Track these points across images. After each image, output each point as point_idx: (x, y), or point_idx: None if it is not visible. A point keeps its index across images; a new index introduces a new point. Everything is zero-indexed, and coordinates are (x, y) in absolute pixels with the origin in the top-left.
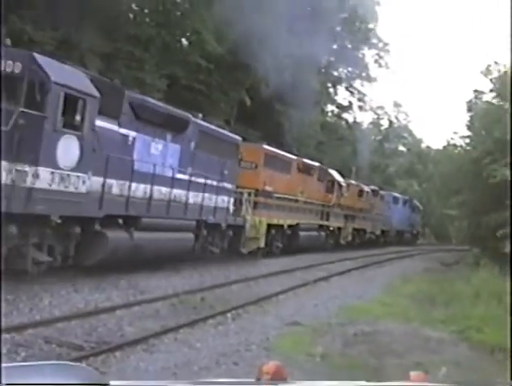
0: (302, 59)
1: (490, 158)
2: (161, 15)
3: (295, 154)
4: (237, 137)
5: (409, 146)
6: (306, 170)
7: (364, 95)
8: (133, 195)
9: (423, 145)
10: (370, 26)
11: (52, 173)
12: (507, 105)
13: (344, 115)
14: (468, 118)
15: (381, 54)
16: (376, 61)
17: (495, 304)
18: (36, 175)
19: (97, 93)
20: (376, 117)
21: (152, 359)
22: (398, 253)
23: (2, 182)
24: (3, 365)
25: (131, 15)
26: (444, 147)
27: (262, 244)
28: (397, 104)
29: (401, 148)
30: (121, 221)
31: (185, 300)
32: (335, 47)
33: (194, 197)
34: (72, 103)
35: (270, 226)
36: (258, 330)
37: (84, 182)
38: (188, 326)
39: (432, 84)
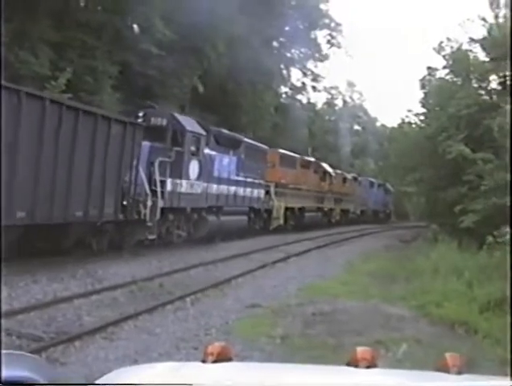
0: (254, 41)
1: (445, 134)
2: (112, 2)
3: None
4: (265, 146)
5: (364, 125)
6: (305, 165)
7: (317, 75)
8: (219, 193)
9: (378, 124)
10: (322, 6)
11: (187, 182)
12: (460, 81)
13: (298, 96)
14: (423, 95)
15: (334, 34)
16: (328, 41)
17: (454, 279)
18: (181, 184)
19: (204, 133)
20: (330, 97)
21: (112, 347)
22: (361, 231)
23: (168, 190)
24: None
25: (82, 3)
26: (399, 125)
27: (282, 222)
28: (351, 84)
29: (356, 127)
30: (214, 209)
31: (144, 287)
32: (287, 28)
33: (245, 191)
34: (194, 140)
35: (286, 209)
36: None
37: (199, 186)
38: (147, 312)
39: (386, 62)
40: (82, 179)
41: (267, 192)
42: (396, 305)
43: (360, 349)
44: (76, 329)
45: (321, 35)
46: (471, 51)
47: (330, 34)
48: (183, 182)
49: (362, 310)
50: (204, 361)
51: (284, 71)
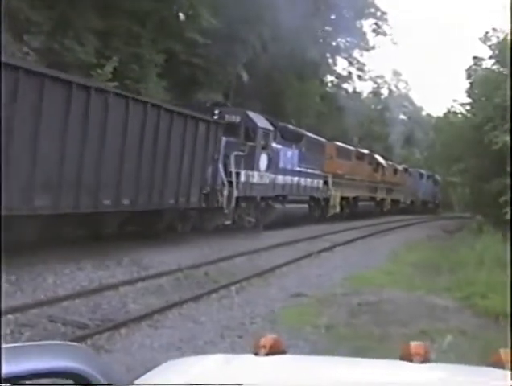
0: (300, 29)
1: (491, 124)
2: None
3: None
4: (324, 139)
5: (409, 115)
6: (360, 156)
7: (363, 64)
8: (284, 183)
9: (424, 113)
10: None
11: (258, 174)
12: (506, 71)
13: (344, 85)
14: (468, 85)
15: (380, 23)
16: (374, 30)
17: (498, 270)
18: (253, 175)
19: (272, 128)
20: (376, 86)
21: (157, 335)
22: (407, 221)
23: (242, 181)
24: None
25: None
26: (445, 115)
27: (338, 211)
28: (396, 73)
29: (401, 116)
30: (280, 198)
31: (189, 274)
32: (333, 17)
33: (306, 182)
34: (264, 136)
35: (342, 198)
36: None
37: (268, 177)
38: (192, 300)
39: (432, 51)
40: (174, 172)
41: (325, 182)
42: (441, 296)
43: (413, 343)
44: (122, 316)
45: (367, 24)
46: None
47: (376, 24)
48: (255, 173)
49: (407, 300)
50: (256, 354)
51: (330, 60)
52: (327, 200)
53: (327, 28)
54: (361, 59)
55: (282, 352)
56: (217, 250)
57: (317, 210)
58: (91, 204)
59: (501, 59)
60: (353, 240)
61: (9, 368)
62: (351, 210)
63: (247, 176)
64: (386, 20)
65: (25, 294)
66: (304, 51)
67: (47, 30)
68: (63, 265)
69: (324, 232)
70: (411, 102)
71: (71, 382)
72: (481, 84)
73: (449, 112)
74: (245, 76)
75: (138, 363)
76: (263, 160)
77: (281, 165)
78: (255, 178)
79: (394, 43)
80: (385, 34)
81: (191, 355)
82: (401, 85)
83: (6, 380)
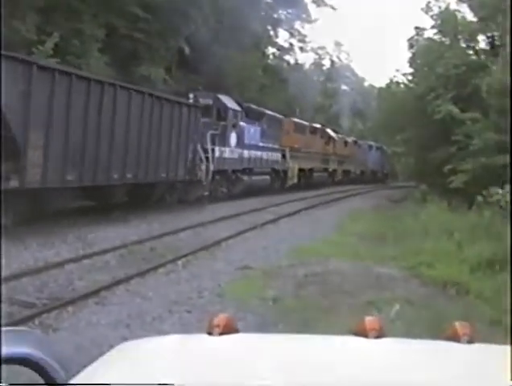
0: (241, 2)
1: (434, 93)
2: None
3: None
4: (282, 116)
5: (352, 86)
6: (313, 131)
7: (304, 36)
8: (250, 157)
9: (366, 84)
10: None
11: (229, 149)
12: (448, 41)
13: (286, 57)
14: (410, 55)
15: None
16: (315, 1)
17: (445, 239)
18: (225, 151)
19: (240, 109)
20: (317, 57)
21: (105, 312)
22: (355, 191)
23: (216, 156)
24: None
25: None
26: (387, 85)
27: (296, 181)
28: (338, 44)
29: (344, 87)
30: (247, 171)
31: (134, 250)
32: None
33: (268, 155)
34: (234, 115)
35: (299, 170)
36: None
37: (237, 152)
38: (139, 275)
39: (373, 22)
40: (165, 150)
41: (283, 156)
42: (387, 265)
43: (368, 318)
44: (69, 294)
45: None
46: (459, 11)
47: None
48: (227, 149)
49: (353, 271)
50: (210, 333)
51: (271, 32)
52: (285, 172)
53: (268, 0)
54: (303, 31)
55: (236, 331)
56: (165, 225)
57: (277, 181)
58: (105, 178)
59: (443, 29)
60: (303, 209)
61: None
62: (307, 180)
63: (220, 152)
64: None
65: None
66: (246, 24)
67: None
68: (7, 244)
69: (278, 201)
70: (353, 73)
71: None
72: (423, 54)
73: (392, 82)
74: (187, 50)
75: (86, 341)
76: (233, 137)
77: (246, 141)
78: (227, 153)
79: (334, 9)
80: (326, 4)
81: (139, 332)
82: (343, 56)
83: None
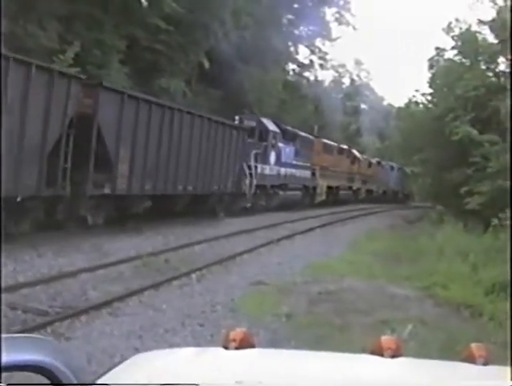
0: (262, 17)
1: (452, 115)
2: None
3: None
4: (313, 137)
5: (370, 104)
6: (340, 151)
7: (325, 53)
8: (285, 174)
9: (385, 103)
10: None
11: (269, 167)
12: (468, 62)
13: (306, 73)
14: (430, 76)
15: (342, 12)
16: (337, 19)
17: (459, 260)
18: (265, 168)
19: (279, 130)
20: (337, 75)
21: (117, 323)
22: (365, 210)
23: (258, 172)
24: None
25: None
26: (406, 105)
27: (324, 198)
28: (358, 62)
29: (363, 106)
30: (282, 186)
31: (149, 262)
32: (296, 5)
33: (300, 173)
34: (274, 137)
35: (327, 187)
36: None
37: (275, 169)
38: (153, 288)
39: (394, 41)
40: (218, 166)
41: (313, 174)
42: (401, 285)
43: (384, 338)
44: (82, 303)
45: (330, 13)
46: (480, 32)
47: (338, 12)
48: (267, 166)
49: (368, 289)
50: (226, 347)
51: (292, 49)
52: (314, 189)
53: (289, 17)
54: (323, 48)
55: (252, 346)
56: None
57: (307, 197)
58: (172, 189)
59: (464, 50)
60: (322, 225)
61: None
62: (334, 197)
63: (262, 169)
64: (348, 9)
65: None
66: (267, 40)
67: (10, 14)
68: (22, 252)
69: (311, 214)
70: (372, 92)
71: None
72: (442, 74)
73: (410, 102)
74: (206, 64)
75: (98, 351)
76: (272, 156)
77: (283, 159)
78: (267, 170)
79: (356, 29)
80: (347, 23)
81: (151, 343)
82: (362, 74)
83: None
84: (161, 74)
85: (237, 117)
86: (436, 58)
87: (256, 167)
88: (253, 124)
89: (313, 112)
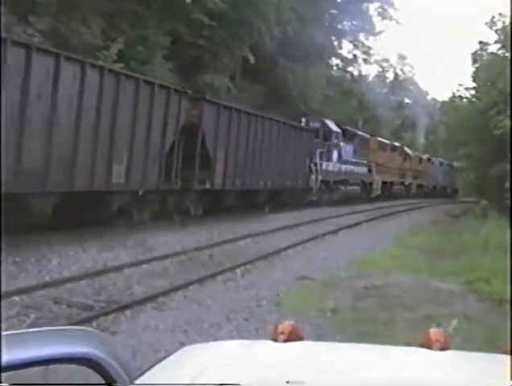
0: (305, 12)
1: (496, 109)
2: None
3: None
4: (368, 136)
5: (414, 99)
6: (393, 149)
7: (369, 48)
8: (345, 170)
9: (429, 98)
10: None
11: (332, 164)
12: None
13: (350, 68)
14: (474, 70)
15: (385, 6)
16: (380, 14)
17: (502, 255)
18: (328, 165)
19: (340, 131)
20: (381, 69)
21: (162, 317)
22: (409, 205)
23: (323, 169)
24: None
25: None
26: (450, 99)
27: (379, 192)
28: (402, 57)
29: (407, 100)
30: (343, 182)
31: (193, 257)
32: (339, 0)
33: (358, 169)
34: (336, 136)
35: (382, 183)
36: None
37: (337, 166)
38: (198, 282)
39: (438, 35)
40: (291, 164)
41: (369, 170)
42: (445, 280)
43: (433, 330)
44: (127, 298)
45: (373, 8)
46: None
47: (382, 7)
48: (330, 164)
49: (412, 284)
50: (274, 340)
51: (335, 44)
52: (371, 184)
53: (333, 11)
54: (367, 43)
55: (300, 339)
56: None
57: (365, 191)
58: (256, 185)
59: (507, 44)
60: (369, 220)
61: (21, 354)
62: (388, 192)
63: (326, 166)
64: (391, 4)
65: (30, 276)
66: (310, 35)
67: (53, 12)
68: (67, 246)
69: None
70: (416, 86)
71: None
72: (486, 68)
73: (454, 96)
74: (251, 59)
75: (143, 346)
76: (335, 154)
77: (343, 157)
78: (330, 167)
79: (399, 24)
80: (390, 18)
81: (196, 338)
82: (406, 69)
83: (20, 366)
84: (205, 70)
85: (303, 119)
86: (480, 52)
87: (321, 165)
88: (318, 125)
89: (357, 107)
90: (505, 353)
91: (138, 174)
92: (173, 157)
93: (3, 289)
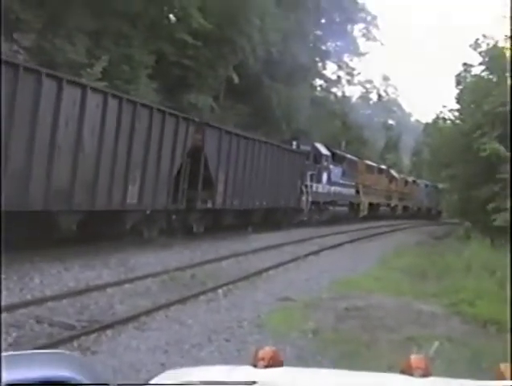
0: (290, 33)
1: (480, 131)
2: None
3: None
4: (356, 158)
5: (398, 120)
6: (379, 171)
7: (352, 69)
8: (334, 192)
9: (412, 119)
10: (358, 0)
11: (321, 185)
12: (495, 78)
13: (333, 89)
14: (458, 92)
15: (370, 28)
16: (364, 35)
17: (487, 277)
18: (318, 187)
19: (330, 154)
20: (365, 90)
21: (143, 337)
22: (392, 226)
23: (313, 190)
24: None
25: None
26: (434, 121)
27: (366, 213)
28: (386, 78)
29: (390, 121)
30: (332, 202)
31: (175, 277)
32: (323, 21)
33: (346, 191)
34: (326, 159)
35: (369, 204)
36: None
37: (326, 188)
38: (179, 302)
39: (421, 57)
40: (285, 185)
41: (357, 191)
42: (428, 302)
43: (414, 357)
44: (109, 317)
45: (357, 29)
46: (507, 48)
47: (366, 28)
48: (320, 185)
49: (395, 306)
50: (255, 365)
51: (319, 64)
52: (358, 205)
53: (317, 32)
54: (351, 64)
55: (281, 364)
56: (207, 253)
57: (352, 212)
58: (251, 204)
59: (491, 66)
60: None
61: (3, 377)
62: (374, 213)
63: (316, 187)
64: (376, 25)
65: (12, 294)
66: (294, 55)
67: (38, 29)
68: (49, 265)
69: (363, 226)
70: (400, 107)
71: None
72: (470, 90)
73: (438, 118)
74: (236, 79)
75: (124, 366)
76: (324, 176)
77: (333, 179)
78: (320, 188)
79: (382, 45)
80: (375, 39)
81: (177, 359)
82: (390, 90)
83: None
84: (189, 89)
85: (294, 142)
86: (464, 74)
87: (311, 186)
88: (309, 148)
89: (341, 127)
90: (497, 376)
91: (149, 195)
92: (180, 178)
93: None
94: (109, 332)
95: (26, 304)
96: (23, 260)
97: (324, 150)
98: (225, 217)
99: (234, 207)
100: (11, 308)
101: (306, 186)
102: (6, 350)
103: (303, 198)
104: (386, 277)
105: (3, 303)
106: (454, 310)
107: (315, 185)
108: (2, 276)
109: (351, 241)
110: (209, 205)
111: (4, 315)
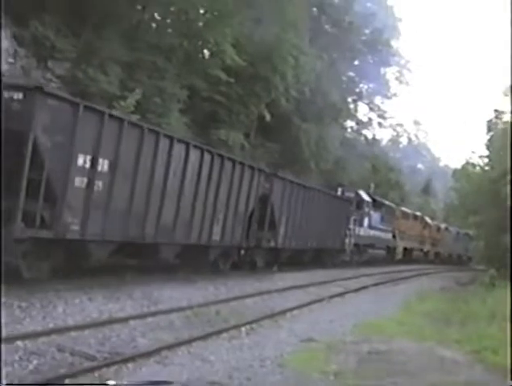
0: (322, 73)
1: (508, 177)
2: (183, 25)
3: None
4: (394, 205)
5: (427, 164)
6: (414, 217)
7: (384, 112)
8: (373, 235)
9: (441, 164)
10: (393, 43)
11: (363, 229)
12: None
13: (364, 131)
14: (488, 138)
15: (403, 71)
16: (397, 78)
17: (510, 325)
18: (360, 230)
19: (371, 200)
20: (395, 134)
21: (165, 372)
22: (417, 271)
23: (356, 234)
24: None
25: (153, 24)
26: (463, 166)
27: (401, 257)
28: (416, 122)
29: (419, 165)
30: (371, 245)
31: (199, 312)
32: (356, 62)
33: (384, 235)
34: (367, 205)
35: (404, 248)
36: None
37: (366, 231)
38: (202, 339)
39: (452, 102)
40: (333, 228)
41: (394, 236)
42: (451, 348)
43: None
44: (130, 350)
45: (390, 72)
46: None
47: (399, 72)
48: (361, 229)
49: (417, 351)
50: None
51: (351, 106)
52: (394, 249)
53: (350, 73)
54: (382, 106)
55: None
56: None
57: (389, 255)
58: (304, 245)
59: None
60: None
61: None
62: (409, 257)
63: (358, 231)
64: (409, 69)
65: (34, 321)
66: (326, 95)
67: (72, 58)
68: (73, 294)
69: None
70: (429, 152)
71: None
72: (499, 137)
73: (467, 163)
74: (267, 117)
75: None
76: (366, 221)
77: (372, 224)
78: (362, 232)
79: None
80: (407, 83)
81: None
82: (420, 134)
83: None
84: (220, 125)
85: (339, 189)
86: (495, 120)
87: (354, 229)
88: (352, 195)
89: (370, 170)
90: None
91: (229, 234)
92: (252, 220)
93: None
94: (130, 365)
95: (49, 332)
96: (48, 289)
97: (365, 197)
98: (283, 255)
99: (292, 246)
100: (33, 335)
101: (349, 229)
102: (26, 377)
103: (347, 240)
104: (410, 321)
105: (25, 330)
106: (477, 357)
107: (357, 228)
108: (25, 303)
109: (377, 284)
110: (272, 244)
111: (26, 342)
